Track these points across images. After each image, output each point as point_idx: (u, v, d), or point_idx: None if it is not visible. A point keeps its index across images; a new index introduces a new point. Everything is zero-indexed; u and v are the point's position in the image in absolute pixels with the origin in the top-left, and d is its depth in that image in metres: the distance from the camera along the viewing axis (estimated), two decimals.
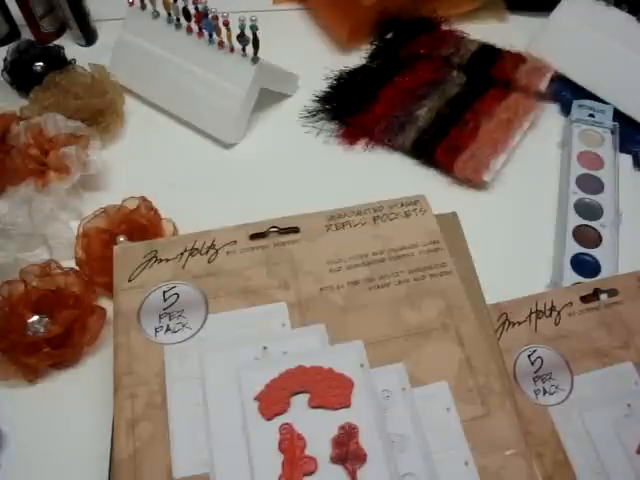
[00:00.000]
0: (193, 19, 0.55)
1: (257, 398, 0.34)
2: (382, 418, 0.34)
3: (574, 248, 0.48)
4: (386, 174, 0.55)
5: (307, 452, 0.32)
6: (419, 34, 0.65)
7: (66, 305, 0.43)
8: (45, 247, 0.49)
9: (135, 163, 0.56)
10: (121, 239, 0.46)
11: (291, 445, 0.32)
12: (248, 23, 0.51)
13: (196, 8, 0.54)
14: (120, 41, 0.61)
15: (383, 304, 0.39)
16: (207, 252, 0.41)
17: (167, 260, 0.40)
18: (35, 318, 0.43)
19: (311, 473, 0.32)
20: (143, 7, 0.59)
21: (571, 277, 0.46)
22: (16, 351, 0.41)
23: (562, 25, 0.63)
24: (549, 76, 0.60)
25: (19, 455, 0.39)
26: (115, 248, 0.41)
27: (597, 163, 0.54)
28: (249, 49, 0.54)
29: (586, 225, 0.49)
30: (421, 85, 0.60)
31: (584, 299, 0.41)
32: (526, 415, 0.36)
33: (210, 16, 0.53)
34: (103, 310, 0.44)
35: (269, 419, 0.33)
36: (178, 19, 0.57)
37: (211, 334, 0.37)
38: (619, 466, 0.35)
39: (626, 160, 0.56)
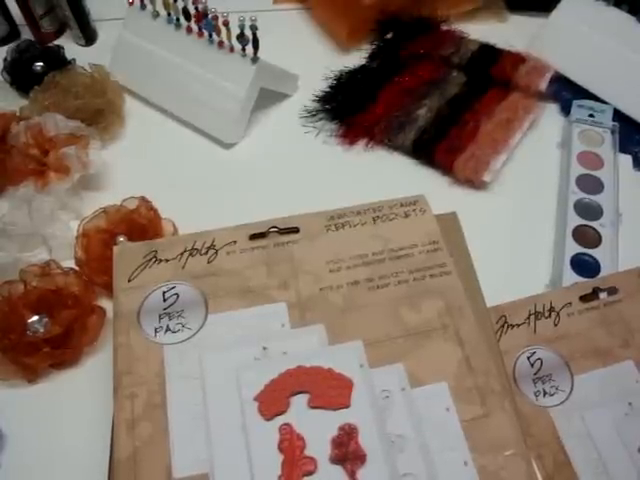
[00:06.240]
0: (193, 19, 0.55)
1: (257, 398, 0.34)
2: (381, 418, 0.34)
3: (574, 248, 0.48)
4: (386, 174, 0.55)
5: (307, 452, 0.32)
6: (419, 34, 0.64)
7: (66, 305, 0.43)
8: (45, 247, 0.49)
9: (135, 163, 0.56)
10: (121, 239, 0.46)
11: (291, 445, 0.32)
12: (248, 23, 0.51)
13: (196, 8, 0.54)
14: (120, 41, 0.61)
15: (383, 304, 0.39)
16: (207, 252, 0.41)
17: (167, 260, 0.40)
18: (35, 318, 0.43)
19: (310, 473, 0.32)
20: (143, 7, 0.59)
21: (571, 277, 0.46)
22: (16, 351, 0.41)
23: (562, 25, 0.63)
24: (549, 76, 0.60)
25: (19, 455, 0.39)
26: (115, 248, 0.41)
27: (597, 163, 0.54)
28: (249, 49, 0.54)
29: (586, 225, 0.49)
30: (421, 85, 0.60)
31: (583, 299, 0.41)
32: (526, 417, 0.36)
33: (210, 16, 0.53)
34: (103, 310, 0.44)
35: (269, 419, 0.33)
36: (178, 19, 0.57)
37: (211, 334, 0.37)
38: (621, 465, 0.35)
39: (626, 160, 0.56)
